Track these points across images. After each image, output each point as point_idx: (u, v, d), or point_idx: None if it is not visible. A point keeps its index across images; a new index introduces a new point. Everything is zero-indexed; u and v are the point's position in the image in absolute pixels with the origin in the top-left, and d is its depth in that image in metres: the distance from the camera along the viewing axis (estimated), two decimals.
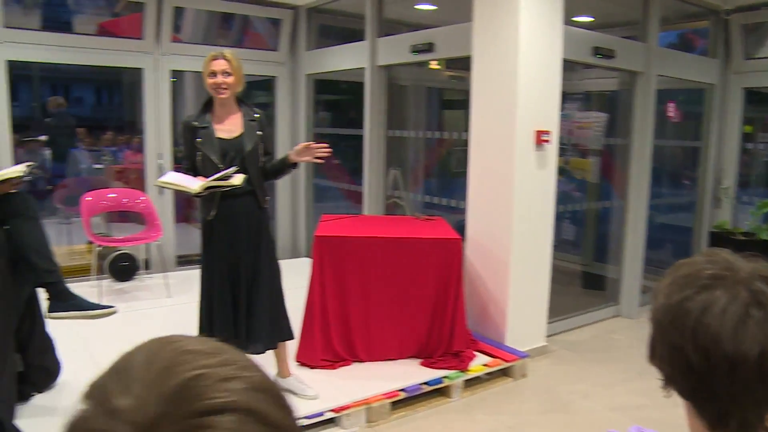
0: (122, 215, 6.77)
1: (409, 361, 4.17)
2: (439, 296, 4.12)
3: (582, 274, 6.46)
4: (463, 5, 4.57)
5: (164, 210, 6.32)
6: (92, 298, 3.64)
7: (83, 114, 14.34)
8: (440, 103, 7.79)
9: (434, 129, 7.01)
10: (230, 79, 3.25)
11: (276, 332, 3.52)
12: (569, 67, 4.72)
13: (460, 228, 4.68)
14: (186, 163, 3.36)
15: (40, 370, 3.62)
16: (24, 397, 3.51)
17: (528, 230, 4.39)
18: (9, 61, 5.56)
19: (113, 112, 13.82)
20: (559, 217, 5.34)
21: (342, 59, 6.38)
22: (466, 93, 4.68)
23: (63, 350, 3.84)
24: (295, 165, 3.44)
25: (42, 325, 3.61)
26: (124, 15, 7.52)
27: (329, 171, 7.44)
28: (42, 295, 3.38)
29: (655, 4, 5.27)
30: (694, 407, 0.92)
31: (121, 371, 0.58)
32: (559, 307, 5.07)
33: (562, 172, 5.34)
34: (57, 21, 8.75)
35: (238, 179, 3.15)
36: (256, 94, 9.03)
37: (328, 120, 7.58)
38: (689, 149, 6.68)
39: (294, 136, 7.06)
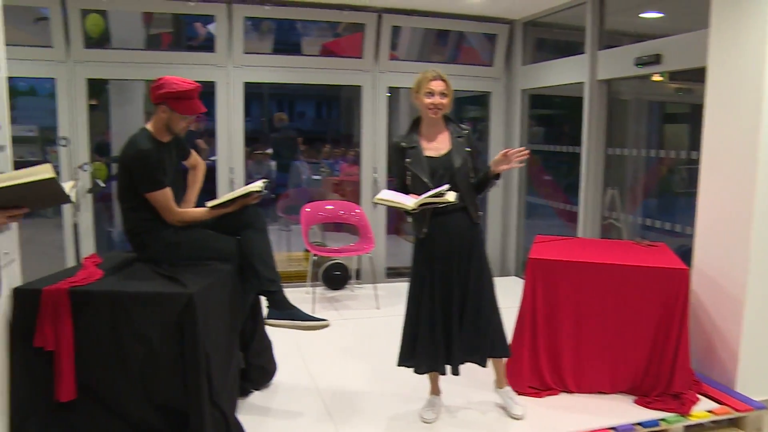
0: (337, 226, 7.12)
1: (622, 396, 3.87)
2: (659, 330, 3.78)
3: None
4: (697, 12, 4.18)
5: (377, 222, 6.54)
6: (306, 304, 3.85)
7: (304, 128, 15.40)
8: (662, 117, 7.24)
9: (654, 146, 6.51)
10: (445, 100, 3.30)
11: (492, 346, 3.46)
12: None
13: (682, 255, 4.27)
14: (396, 183, 3.42)
15: (258, 369, 3.89)
16: (244, 392, 3.79)
17: None
18: (246, 82, 6.13)
19: (331, 126, 14.67)
20: None
21: (559, 74, 6.17)
22: (691, 107, 4.26)
23: (278, 353, 4.10)
24: (497, 176, 3.36)
25: (262, 328, 3.88)
26: (345, 35, 7.94)
27: (541, 188, 7.23)
28: (263, 302, 3.62)
29: None
30: None
31: None
32: None
33: None
34: (287, 43, 9.49)
35: (451, 195, 3.13)
36: (468, 109, 9.07)
37: (541, 136, 7.38)
38: None
39: None
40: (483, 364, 3.48)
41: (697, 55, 4.25)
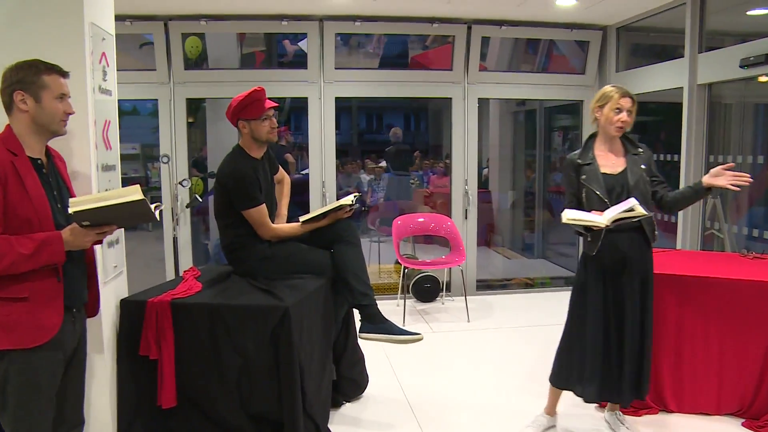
0: (428, 238, 7.12)
1: (728, 419, 3.66)
2: None
3: None
4: None
5: (467, 235, 6.50)
6: (396, 317, 3.85)
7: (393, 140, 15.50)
8: None
9: (762, 151, 6.16)
10: (631, 118, 3.21)
11: (644, 386, 3.30)
12: None
13: None
14: (571, 200, 3.33)
15: (350, 381, 3.93)
16: (336, 404, 3.83)
17: None
18: (336, 97, 6.28)
19: (420, 138, 14.70)
20: None
21: (656, 79, 5.95)
22: None
23: (369, 365, 4.12)
24: (708, 189, 3.22)
25: (354, 341, 3.91)
26: (434, 48, 7.95)
27: None
28: (356, 315, 3.65)
29: None
30: None
31: None
32: None
33: None
34: (375, 57, 9.60)
35: (642, 209, 3.03)
36: (559, 117, 8.89)
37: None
38: None
39: None
40: (627, 405, 3.37)
41: None
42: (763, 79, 5.51)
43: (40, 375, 2.23)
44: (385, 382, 4.25)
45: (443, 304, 6.25)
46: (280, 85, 6.18)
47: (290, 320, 2.97)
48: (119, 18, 3.25)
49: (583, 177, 3.24)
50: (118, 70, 3.15)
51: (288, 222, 3.75)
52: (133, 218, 2.42)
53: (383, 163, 9.04)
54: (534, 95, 7.28)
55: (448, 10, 5.97)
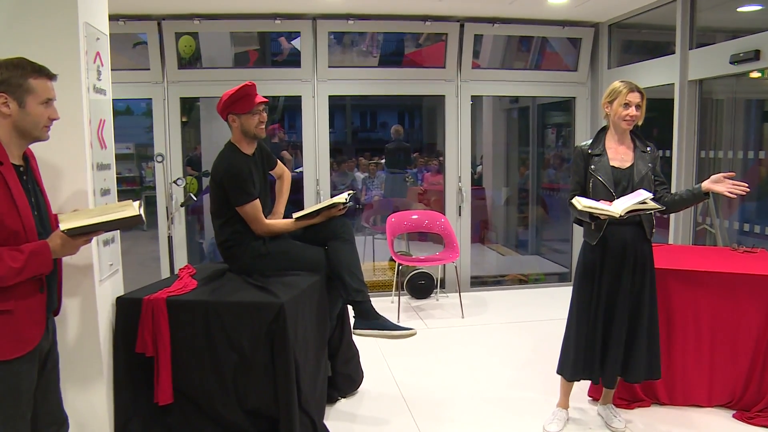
0: (422, 235, 7.15)
1: (718, 410, 3.70)
2: (761, 341, 3.58)
3: None
4: None
5: (461, 232, 6.53)
6: (391, 313, 3.88)
7: (387, 138, 15.55)
8: (761, 116, 6.88)
9: (753, 147, 6.21)
10: (639, 113, 3.26)
11: (650, 368, 3.36)
12: None
13: None
14: (575, 189, 3.38)
15: (345, 377, 3.96)
16: (331, 400, 3.86)
17: None
18: (330, 96, 6.30)
19: (413, 135, 14.73)
20: None
21: (648, 76, 5.98)
22: None
23: (364, 361, 4.15)
24: (707, 194, 3.25)
25: (349, 337, 3.94)
26: (427, 45, 7.98)
27: None
28: (350, 311, 3.68)
29: None
30: None
31: None
32: None
33: None
34: (369, 55, 9.61)
35: (655, 203, 3.09)
36: (552, 114, 8.92)
37: None
38: None
39: None
40: (636, 380, 3.40)
41: None
42: (753, 74, 5.57)
43: (21, 382, 2.18)
44: (379, 378, 4.28)
45: (437, 300, 6.28)
46: (273, 83, 6.19)
47: (285, 316, 2.99)
48: (112, 18, 3.26)
49: (592, 167, 3.30)
50: (111, 70, 3.16)
51: (283, 218, 3.77)
52: (122, 226, 2.40)
53: (383, 160, 9.09)
54: (527, 92, 7.33)
55: (440, 8, 6.00)
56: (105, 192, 3.01)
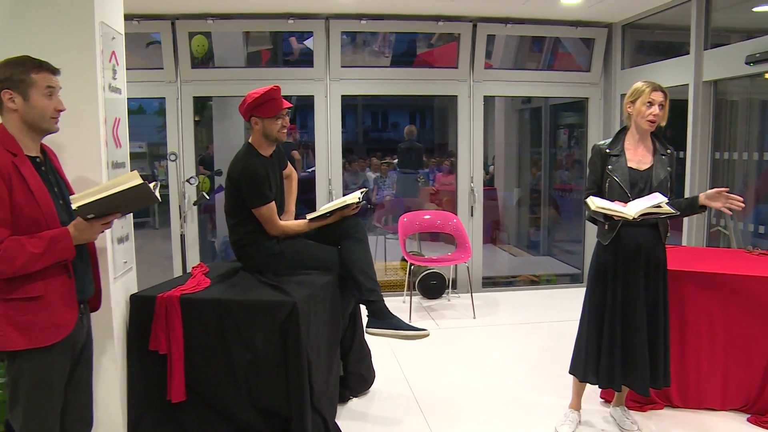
0: (434, 235, 7.14)
1: (733, 414, 3.67)
2: None
3: None
4: None
5: (473, 232, 6.52)
6: (402, 313, 3.88)
7: (399, 138, 15.55)
8: None
9: (767, 148, 6.17)
10: (662, 112, 3.24)
11: (665, 376, 3.32)
12: None
13: None
14: (591, 187, 3.36)
15: (357, 376, 3.96)
16: (343, 399, 3.86)
17: None
18: (342, 95, 6.32)
19: (425, 136, 14.72)
20: None
21: (662, 76, 5.93)
22: None
23: (376, 361, 4.15)
24: (704, 208, 3.25)
25: (361, 336, 3.94)
26: (439, 46, 7.97)
27: None
28: (363, 311, 3.67)
29: None
30: None
31: None
32: None
33: None
34: (381, 55, 9.62)
35: (670, 208, 3.06)
36: (564, 115, 8.89)
37: None
38: None
39: None
40: (646, 393, 3.34)
41: None
42: None
43: (53, 373, 2.25)
44: (391, 378, 4.28)
45: (449, 300, 6.28)
46: (286, 83, 6.16)
47: (298, 315, 2.99)
48: (127, 17, 3.28)
49: (609, 167, 3.27)
50: (126, 69, 3.18)
51: (295, 219, 3.78)
52: (135, 203, 2.40)
53: (396, 160, 9.10)
54: (539, 93, 7.31)
55: (453, 8, 5.99)
56: None
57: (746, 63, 4.81)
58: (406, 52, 8.59)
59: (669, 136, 6.35)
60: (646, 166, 3.26)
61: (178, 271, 6.02)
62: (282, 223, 3.54)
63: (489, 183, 8.66)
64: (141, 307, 3.10)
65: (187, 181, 5.91)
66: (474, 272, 6.48)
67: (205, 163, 7.44)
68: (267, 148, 3.54)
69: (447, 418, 3.72)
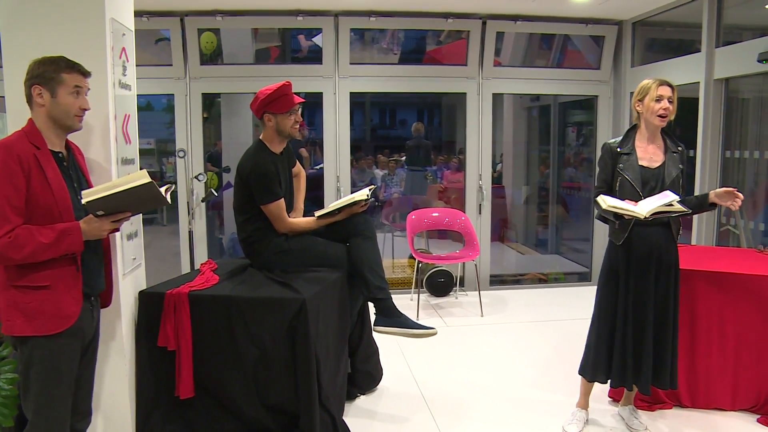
0: (441, 233, 7.13)
1: (742, 414, 3.65)
2: None
3: None
4: None
5: (481, 230, 6.51)
6: (410, 311, 3.87)
7: (406, 135, 15.52)
8: None
9: None
10: (672, 107, 3.22)
11: (672, 377, 3.30)
12: None
13: None
14: (601, 186, 3.33)
15: (365, 374, 3.96)
16: (350, 396, 3.86)
17: None
18: (351, 92, 6.31)
19: (433, 133, 14.70)
20: None
21: (672, 74, 5.90)
22: None
23: (384, 359, 4.15)
24: (713, 206, 3.24)
25: (369, 334, 3.94)
26: (448, 43, 7.95)
27: None
28: (371, 309, 3.66)
29: None
30: None
31: None
32: None
33: None
34: (389, 52, 9.61)
35: (682, 206, 3.04)
36: (573, 113, 8.85)
37: None
38: None
39: None
40: (647, 392, 3.33)
41: None
42: None
43: (62, 362, 2.30)
44: (399, 375, 4.28)
45: (457, 298, 6.27)
46: (294, 80, 6.05)
47: (307, 312, 2.99)
48: (136, 14, 3.28)
49: (620, 165, 3.24)
50: (135, 66, 3.18)
51: (304, 216, 3.78)
52: (145, 203, 2.44)
53: (404, 157, 9.09)
54: (548, 90, 7.27)
55: (462, 5, 5.98)
56: None
57: (758, 61, 4.77)
58: (415, 49, 8.57)
59: (679, 134, 6.30)
60: (658, 164, 3.23)
61: (186, 268, 6.03)
62: (291, 220, 3.54)
63: (497, 181, 8.63)
64: (150, 303, 3.11)
65: (196, 177, 5.91)
66: (482, 270, 6.47)
67: (213, 159, 7.45)
68: (278, 146, 3.54)
69: (454, 415, 3.72)
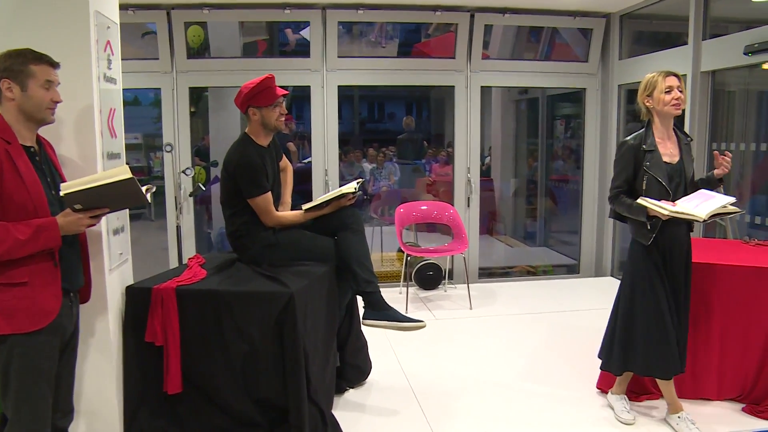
0: (430, 226, 7.13)
1: (728, 404, 3.69)
2: None
3: None
4: None
5: (470, 223, 6.52)
6: (399, 304, 3.87)
7: (395, 128, 15.51)
8: None
9: (764, 139, 6.16)
10: (683, 95, 3.21)
11: (683, 362, 3.36)
12: None
13: None
14: (621, 186, 3.30)
15: (353, 367, 3.96)
16: (339, 390, 3.86)
17: None
18: (339, 86, 6.28)
19: (422, 126, 14.69)
20: None
21: (659, 67, 5.78)
22: None
23: (372, 352, 4.15)
24: (720, 181, 3.26)
25: (358, 327, 3.94)
26: (436, 36, 7.94)
27: None
28: (359, 302, 3.67)
29: None
30: None
31: None
32: None
33: None
34: (377, 45, 9.58)
35: (736, 208, 3.05)
36: (561, 106, 8.87)
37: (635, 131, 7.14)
38: None
39: (603, 149, 6.79)
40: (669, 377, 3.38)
41: None
42: (767, 66, 5.50)
43: (41, 359, 2.27)
44: (388, 369, 4.28)
45: (446, 291, 6.28)
46: (282, 73, 6.16)
47: (295, 306, 2.98)
48: (122, 7, 3.25)
49: (647, 164, 3.21)
50: (121, 60, 3.16)
51: (291, 209, 3.77)
52: (125, 199, 2.41)
53: (393, 150, 9.10)
54: (537, 83, 7.27)
55: None
56: None
57: (744, 53, 4.80)
58: (403, 42, 8.55)
59: None
60: (677, 159, 3.24)
61: (174, 263, 6.01)
62: (278, 213, 3.53)
63: (486, 174, 8.65)
64: (137, 298, 3.09)
65: (183, 172, 5.88)
66: (470, 263, 6.48)
67: (200, 154, 7.41)
68: (265, 138, 3.53)
69: (443, 408, 3.72)
